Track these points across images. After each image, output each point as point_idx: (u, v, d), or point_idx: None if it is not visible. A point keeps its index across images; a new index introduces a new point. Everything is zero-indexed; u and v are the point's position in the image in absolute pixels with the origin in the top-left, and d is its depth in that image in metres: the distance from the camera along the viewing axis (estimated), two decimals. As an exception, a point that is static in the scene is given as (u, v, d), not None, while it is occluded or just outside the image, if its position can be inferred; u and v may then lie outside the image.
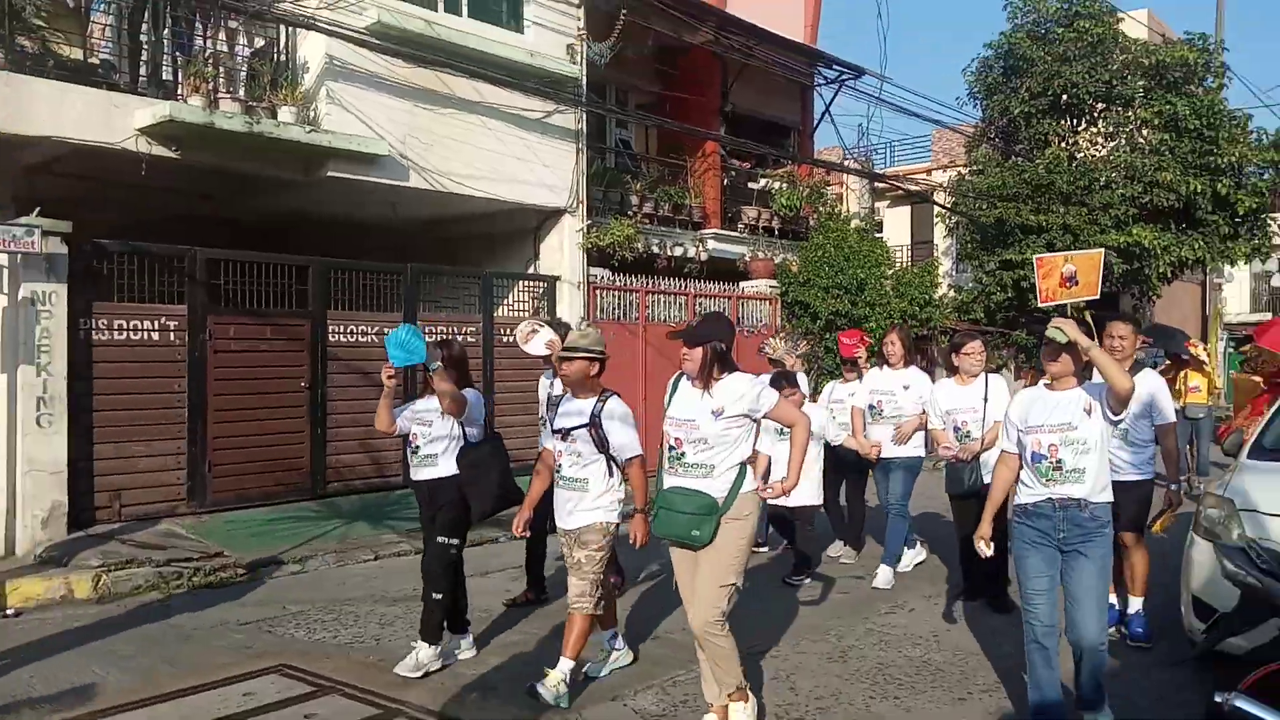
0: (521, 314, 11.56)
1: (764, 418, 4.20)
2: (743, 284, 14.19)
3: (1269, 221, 18.24)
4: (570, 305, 11.63)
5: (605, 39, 11.70)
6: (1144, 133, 17.23)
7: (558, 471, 4.65)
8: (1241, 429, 6.39)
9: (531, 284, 11.72)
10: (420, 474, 5.18)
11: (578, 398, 4.63)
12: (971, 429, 6.21)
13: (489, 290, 11.09)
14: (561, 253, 11.73)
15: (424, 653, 4.94)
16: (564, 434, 4.58)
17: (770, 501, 6.31)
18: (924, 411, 6.78)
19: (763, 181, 15.49)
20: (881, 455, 6.96)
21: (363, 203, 10.69)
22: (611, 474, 4.58)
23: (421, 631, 5.02)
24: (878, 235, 18.63)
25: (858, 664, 5.19)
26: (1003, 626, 5.72)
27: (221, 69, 9.41)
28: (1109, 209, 16.38)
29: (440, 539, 5.09)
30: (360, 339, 9.79)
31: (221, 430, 8.78)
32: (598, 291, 12.04)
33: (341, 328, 9.66)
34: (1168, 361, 12.54)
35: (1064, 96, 17.25)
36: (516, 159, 10.86)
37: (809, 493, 6.76)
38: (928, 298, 15.21)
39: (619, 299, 12.33)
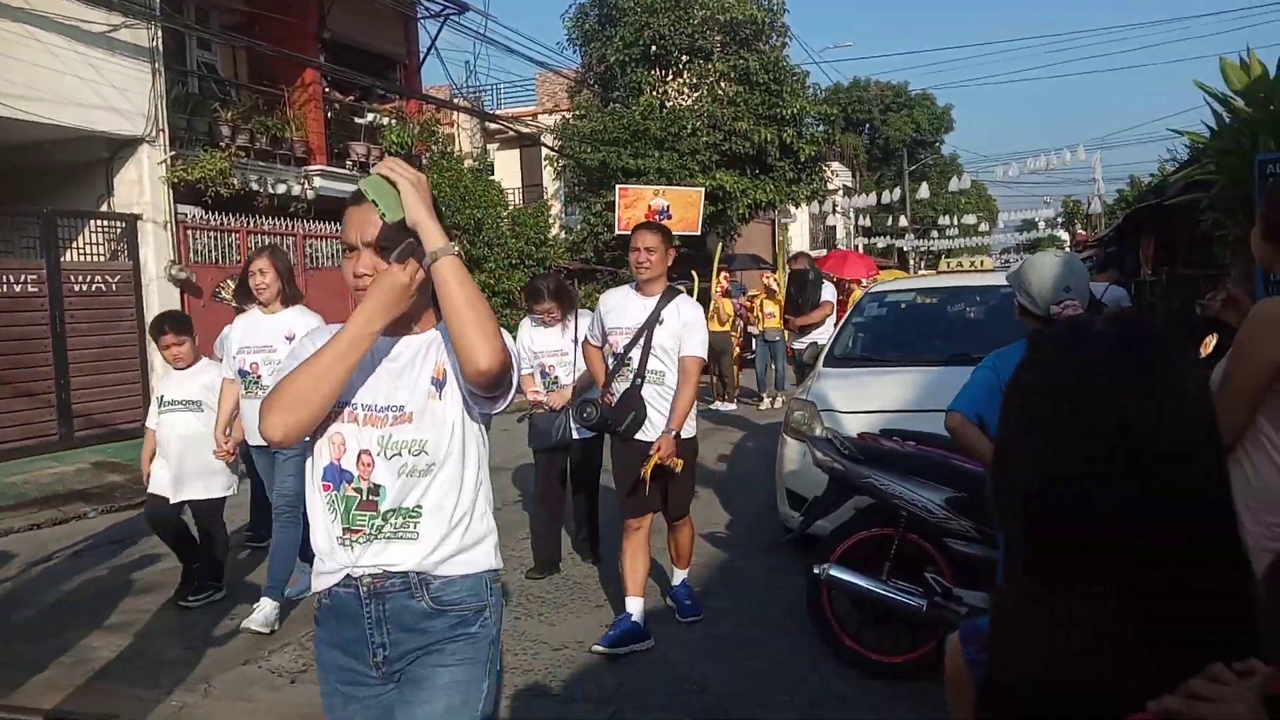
0: (98, 258, 10.15)
1: None
2: (354, 224, 13.58)
3: (824, 168, 21.02)
4: (156, 247, 10.40)
5: (180, -55, 10.44)
6: (722, 85, 18.93)
7: None
8: (815, 344, 7.34)
9: (107, 223, 10.29)
10: None
11: None
12: (560, 374, 5.47)
13: (53, 231, 9.56)
14: (142, 187, 10.41)
15: None
16: None
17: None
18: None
19: (370, 117, 14.87)
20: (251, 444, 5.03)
21: None
22: None
23: None
24: (491, 177, 18.75)
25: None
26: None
27: None
28: (696, 155, 17.87)
29: None
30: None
31: None
32: (188, 231, 10.90)
33: None
34: (753, 292, 13.97)
35: (653, 47, 18.43)
36: (78, 78, 9.39)
37: (216, 483, 5.13)
38: (543, 238, 15.64)
39: (216, 239, 11.25)
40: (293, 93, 13.44)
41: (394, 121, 14.72)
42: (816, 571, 3.92)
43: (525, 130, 20.49)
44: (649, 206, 12.13)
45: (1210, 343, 3.03)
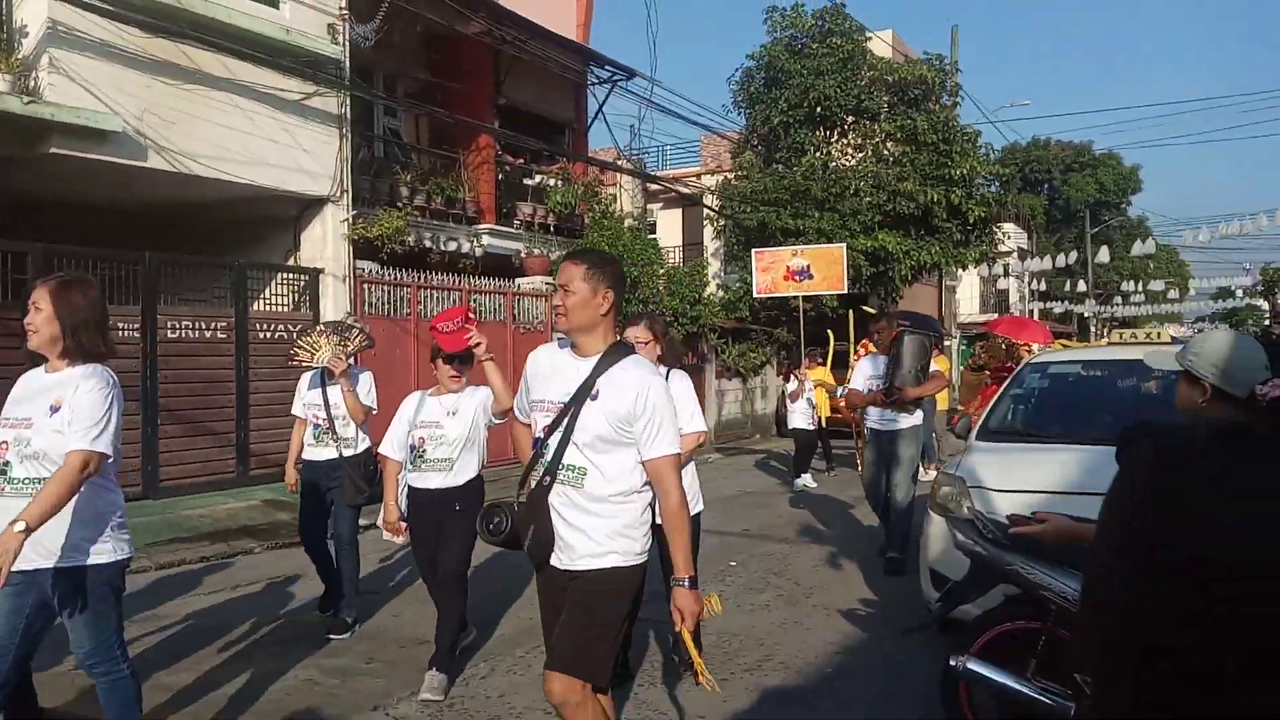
0: (283, 308, 10.91)
1: None
2: (519, 280, 14.08)
3: (995, 229, 20.25)
4: (335, 299, 11.09)
5: (370, 20, 11.24)
6: (888, 145, 18.64)
7: None
8: (967, 415, 6.97)
9: (292, 276, 11.06)
10: None
11: None
12: None
13: (243, 282, 10.35)
14: (325, 244, 11.16)
15: None
16: None
17: None
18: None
19: (538, 178, 15.46)
20: None
21: (95, 183, 9.69)
22: None
23: None
24: (651, 236, 19.10)
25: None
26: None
27: (-81, 28, 8.26)
28: (858, 215, 17.60)
29: None
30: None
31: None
32: (365, 285, 11.55)
33: (69, 322, 8.69)
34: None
35: (818, 108, 18.37)
36: (272, 142, 10.21)
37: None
38: (697, 296, 15.73)
39: (389, 294, 11.88)
40: (468, 156, 14.14)
41: (559, 182, 15.25)
42: (954, 664, 3.66)
43: (685, 191, 20.77)
44: (787, 267, 11.96)
45: None
